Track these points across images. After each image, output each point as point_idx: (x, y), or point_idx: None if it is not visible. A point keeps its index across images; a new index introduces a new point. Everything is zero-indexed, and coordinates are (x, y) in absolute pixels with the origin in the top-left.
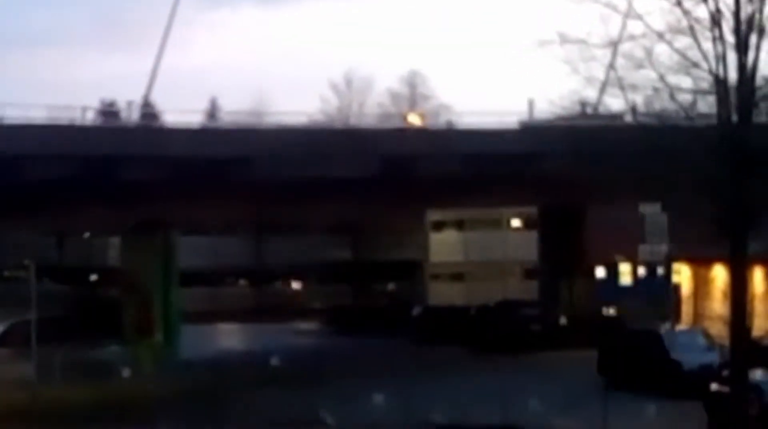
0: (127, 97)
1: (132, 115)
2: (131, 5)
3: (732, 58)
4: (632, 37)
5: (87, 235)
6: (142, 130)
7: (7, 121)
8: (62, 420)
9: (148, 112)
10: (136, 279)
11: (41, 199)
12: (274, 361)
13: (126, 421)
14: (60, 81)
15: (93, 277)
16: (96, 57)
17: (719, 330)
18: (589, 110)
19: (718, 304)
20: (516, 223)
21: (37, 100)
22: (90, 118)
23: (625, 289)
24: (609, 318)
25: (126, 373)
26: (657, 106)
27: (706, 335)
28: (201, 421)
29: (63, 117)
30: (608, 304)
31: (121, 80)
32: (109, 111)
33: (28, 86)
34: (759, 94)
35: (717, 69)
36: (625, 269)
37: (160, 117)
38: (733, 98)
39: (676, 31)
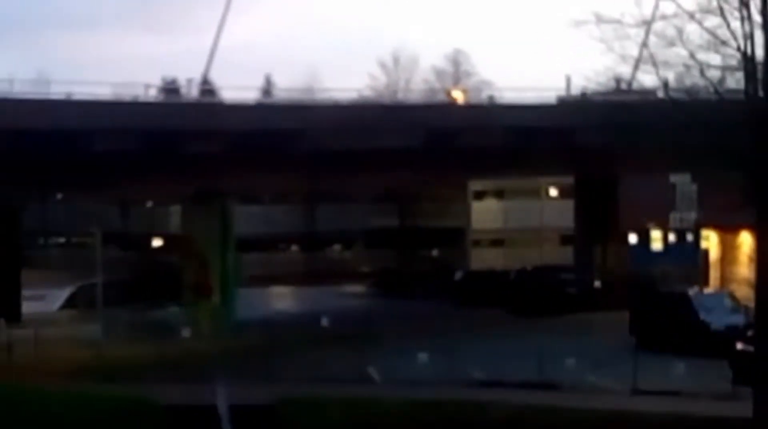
0: (183, 75)
1: (192, 92)
2: None
3: (759, 36)
4: (664, 17)
5: (150, 204)
6: (202, 106)
7: (76, 98)
8: (126, 376)
9: (207, 88)
10: (195, 245)
11: (107, 171)
12: (324, 321)
13: (185, 377)
14: (107, 60)
15: (155, 244)
16: (134, 37)
17: (745, 293)
18: (623, 86)
19: (744, 268)
20: (553, 192)
21: (88, 78)
22: (152, 94)
23: (656, 254)
24: (640, 281)
25: (185, 332)
26: (687, 82)
27: (733, 298)
28: (256, 378)
29: (127, 94)
30: (640, 269)
31: (168, 59)
32: (170, 88)
33: (79, 65)
34: None
35: (745, 47)
36: (656, 235)
37: (218, 93)
38: (760, 74)
39: (706, 11)
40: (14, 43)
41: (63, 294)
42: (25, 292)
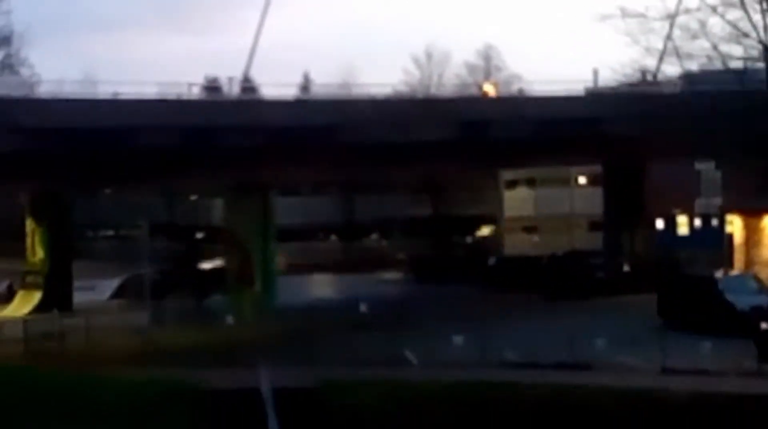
0: (223, 73)
1: (233, 90)
2: None
3: None
4: (688, 11)
5: (194, 197)
6: (243, 103)
7: (123, 97)
8: (172, 361)
9: (248, 86)
10: (237, 236)
11: (153, 166)
12: (362, 307)
13: (229, 362)
14: (145, 60)
15: (199, 235)
16: (169, 38)
17: None
18: (648, 77)
19: (767, 251)
20: (582, 180)
21: (132, 78)
22: (195, 93)
23: (683, 238)
24: (668, 265)
25: (229, 319)
26: (711, 73)
27: (757, 279)
28: (297, 362)
29: (171, 92)
30: (667, 253)
31: (202, 58)
32: (212, 86)
33: (119, 66)
34: None
35: (766, 38)
36: (682, 221)
37: (258, 90)
38: None
39: (728, 4)
40: (58, 46)
41: (112, 284)
42: (77, 283)
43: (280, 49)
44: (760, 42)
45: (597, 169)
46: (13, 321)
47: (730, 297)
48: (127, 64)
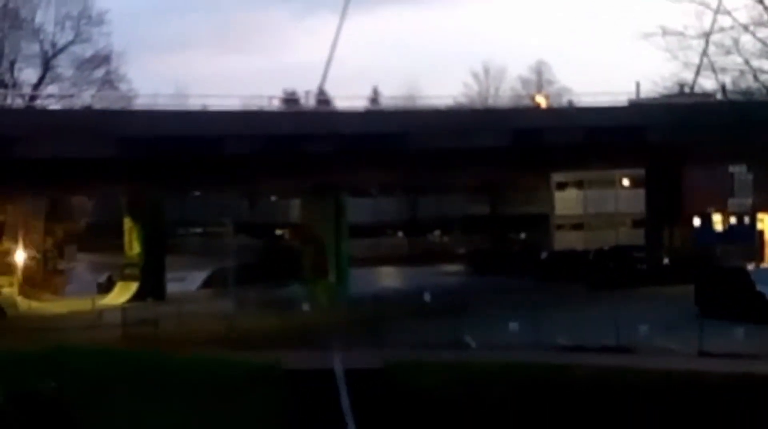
0: (299, 87)
1: (309, 101)
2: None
3: None
4: (722, 29)
5: (273, 198)
6: (319, 114)
7: (210, 109)
8: (254, 344)
9: (322, 98)
10: (313, 232)
11: (237, 170)
12: (426, 296)
13: (306, 345)
14: (217, 77)
15: (278, 232)
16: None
17: None
18: (686, 90)
19: None
20: (626, 182)
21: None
22: (275, 104)
23: (717, 234)
24: (704, 258)
25: (305, 307)
26: (743, 85)
27: None
28: (367, 345)
29: (253, 104)
30: (703, 248)
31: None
32: (290, 98)
33: (200, 82)
34: None
35: None
36: (716, 219)
37: (331, 102)
38: None
39: (759, 23)
40: (149, 64)
41: (201, 276)
42: (169, 275)
43: (349, 65)
44: None
45: (639, 172)
46: (112, 308)
47: (761, 288)
48: (196, 80)
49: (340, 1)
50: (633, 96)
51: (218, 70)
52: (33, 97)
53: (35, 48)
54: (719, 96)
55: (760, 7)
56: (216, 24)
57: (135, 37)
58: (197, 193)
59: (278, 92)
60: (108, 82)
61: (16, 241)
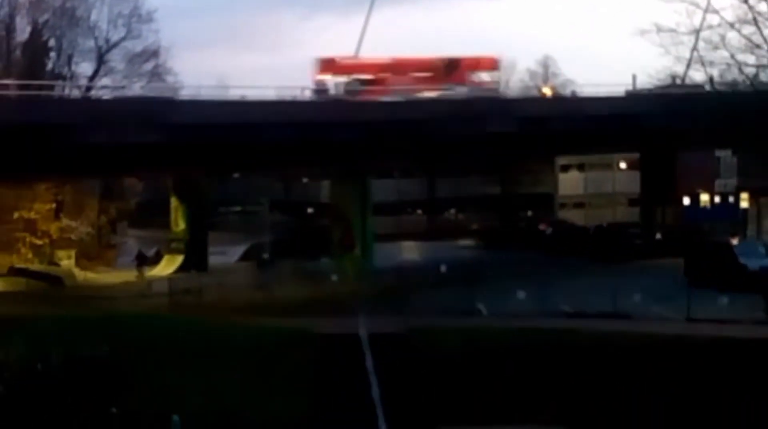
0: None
1: (339, 92)
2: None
3: None
4: (711, 27)
5: (305, 180)
6: (346, 103)
7: (248, 99)
8: (288, 311)
9: (350, 89)
10: (340, 211)
11: (273, 155)
12: (443, 268)
13: (334, 312)
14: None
15: (309, 210)
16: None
17: None
18: (677, 81)
19: None
20: (623, 165)
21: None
22: (307, 95)
23: (705, 212)
24: (692, 234)
25: (334, 278)
26: (729, 77)
27: (765, 245)
28: (389, 312)
29: (287, 95)
30: (692, 224)
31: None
32: (321, 89)
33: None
34: None
35: None
36: (704, 198)
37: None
38: None
39: (744, 21)
40: (194, 58)
41: (239, 250)
42: (211, 249)
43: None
44: None
45: (635, 156)
46: (160, 279)
47: (743, 260)
48: (219, 75)
49: (342, 4)
50: (630, 87)
51: (237, 66)
52: (89, 89)
53: (90, 44)
54: (708, 87)
55: (745, 7)
56: (232, 24)
57: (180, 35)
58: (236, 175)
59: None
60: (156, 74)
61: (73, 219)
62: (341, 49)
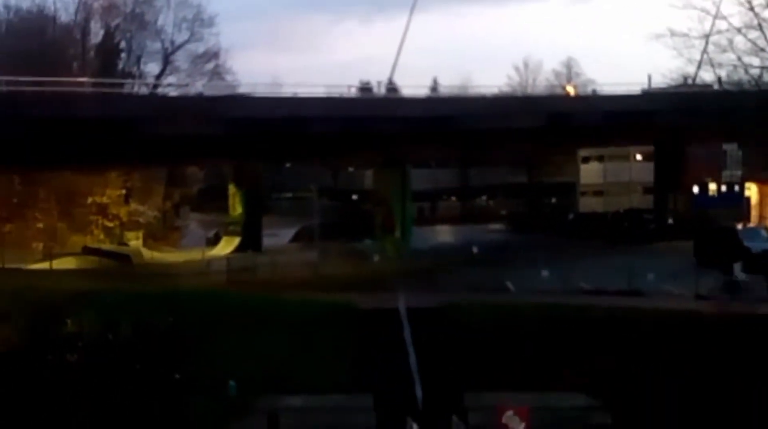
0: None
1: (380, 90)
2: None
3: None
4: (719, 32)
5: (351, 169)
6: (388, 100)
7: (300, 95)
8: (335, 288)
9: (391, 87)
10: (382, 197)
11: (321, 146)
12: (474, 249)
13: (376, 288)
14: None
15: (354, 197)
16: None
17: None
18: (689, 81)
19: None
20: (638, 156)
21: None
22: (353, 92)
23: (712, 199)
24: (701, 219)
25: (376, 258)
26: (736, 77)
27: (767, 230)
28: (426, 288)
29: (335, 92)
30: (700, 211)
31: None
32: (365, 87)
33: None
34: None
35: None
36: (712, 187)
37: (399, 90)
38: None
39: (749, 26)
40: (251, 58)
41: (291, 232)
42: (265, 231)
43: (413, 59)
44: None
45: (649, 148)
46: (219, 258)
47: (746, 243)
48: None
49: (365, 11)
50: (645, 86)
51: (274, 66)
52: (155, 86)
53: (157, 46)
54: (716, 87)
55: (751, 13)
56: (268, 28)
57: (238, 37)
58: (288, 165)
59: (355, 82)
60: (217, 73)
61: (141, 203)
62: (367, 49)
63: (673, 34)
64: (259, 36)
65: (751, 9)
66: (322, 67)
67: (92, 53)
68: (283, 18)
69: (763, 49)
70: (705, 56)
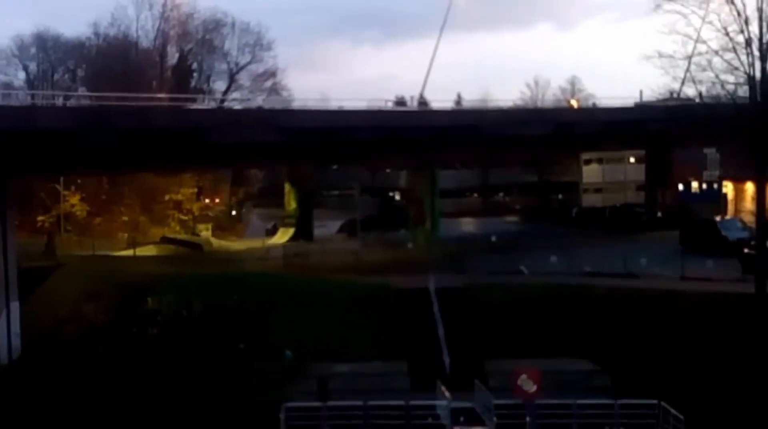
0: (408, 94)
1: (413, 104)
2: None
3: (758, 65)
4: (700, 53)
5: (388, 170)
6: (419, 112)
7: (345, 108)
8: (374, 271)
9: (422, 101)
10: (414, 194)
11: (363, 151)
12: (493, 238)
13: (410, 271)
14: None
15: (391, 194)
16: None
17: (749, 219)
18: (674, 95)
19: (748, 204)
20: (632, 159)
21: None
22: (390, 105)
23: (695, 196)
24: (686, 212)
25: (409, 245)
26: (714, 92)
27: (742, 222)
28: (452, 271)
29: (375, 105)
30: (685, 205)
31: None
32: (400, 101)
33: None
34: None
35: (749, 71)
36: (695, 185)
37: (429, 104)
38: (758, 88)
39: (726, 49)
40: (299, 77)
41: (337, 224)
42: (315, 223)
43: (441, 77)
44: (746, 73)
45: (641, 152)
46: (276, 246)
47: (724, 232)
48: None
49: (381, 36)
50: (637, 99)
51: (305, 84)
52: (222, 101)
53: (224, 67)
54: (697, 100)
55: (726, 38)
56: (296, 52)
57: (290, 59)
58: (335, 167)
59: (390, 97)
60: (274, 90)
61: (211, 200)
62: (381, 69)
63: (660, 55)
64: (290, 58)
65: (727, 34)
66: (343, 84)
67: (169, 73)
68: (306, 43)
69: (737, 68)
70: (688, 74)
